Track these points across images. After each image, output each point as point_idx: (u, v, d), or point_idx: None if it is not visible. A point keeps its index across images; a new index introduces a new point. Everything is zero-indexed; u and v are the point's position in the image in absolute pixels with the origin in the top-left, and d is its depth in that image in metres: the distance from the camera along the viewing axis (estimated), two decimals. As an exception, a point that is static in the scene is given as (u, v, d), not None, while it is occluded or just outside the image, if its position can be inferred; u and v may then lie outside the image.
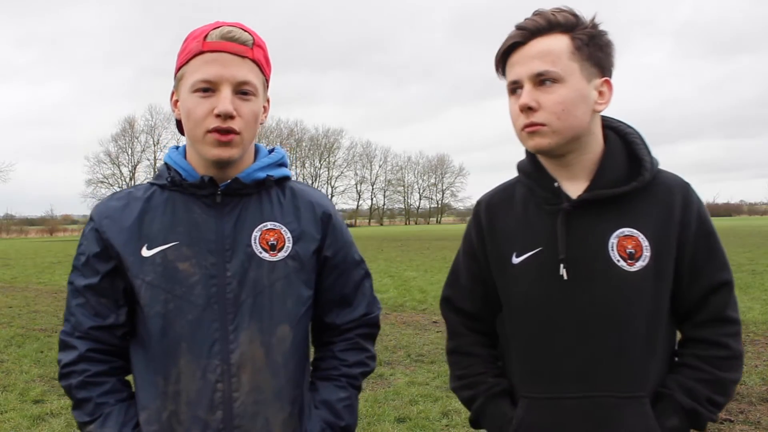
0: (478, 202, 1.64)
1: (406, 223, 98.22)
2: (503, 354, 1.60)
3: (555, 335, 1.44)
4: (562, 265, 1.43)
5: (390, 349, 6.90)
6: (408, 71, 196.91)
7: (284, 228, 1.50)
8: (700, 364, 1.42)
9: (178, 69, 1.46)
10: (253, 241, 1.46)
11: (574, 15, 1.42)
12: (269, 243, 1.47)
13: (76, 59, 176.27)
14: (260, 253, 1.46)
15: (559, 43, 1.40)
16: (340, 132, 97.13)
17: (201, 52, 1.41)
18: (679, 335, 1.52)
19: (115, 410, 1.45)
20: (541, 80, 1.39)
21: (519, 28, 1.43)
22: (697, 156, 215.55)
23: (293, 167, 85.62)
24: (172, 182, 1.49)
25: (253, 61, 1.45)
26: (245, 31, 1.45)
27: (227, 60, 1.41)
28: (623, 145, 1.49)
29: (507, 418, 1.49)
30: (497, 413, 1.51)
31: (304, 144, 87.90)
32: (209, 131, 1.41)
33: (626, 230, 1.43)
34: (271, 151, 1.59)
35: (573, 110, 1.40)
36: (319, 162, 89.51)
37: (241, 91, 1.42)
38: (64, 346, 1.49)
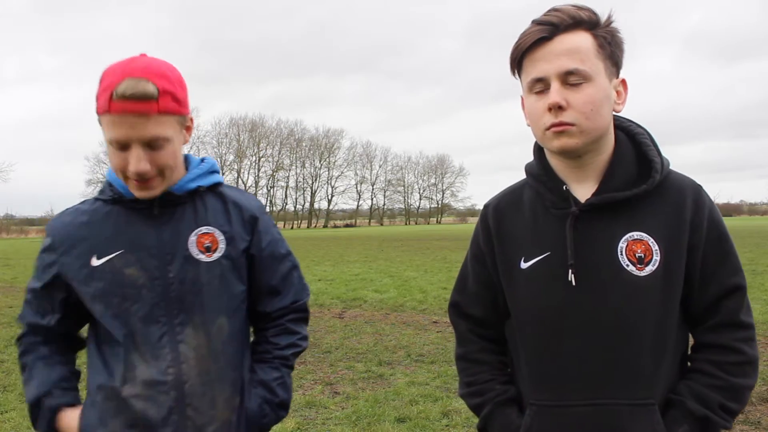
0: (486, 206, 1.60)
1: (406, 223, 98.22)
2: (512, 360, 1.57)
3: (563, 341, 1.40)
4: (570, 271, 1.39)
5: (390, 349, 6.90)
6: (418, 76, 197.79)
7: (217, 231, 1.67)
8: (713, 369, 1.37)
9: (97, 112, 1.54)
10: (190, 245, 1.63)
11: (594, 13, 1.38)
12: (205, 246, 1.64)
13: (93, 64, 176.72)
14: (197, 255, 1.64)
15: (584, 40, 1.35)
16: (340, 132, 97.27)
17: (108, 112, 1.48)
18: (691, 340, 1.47)
19: (40, 368, 1.68)
20: (569, 79, 1.34)
21: (542, 23, 1.36)
22: (698, 157, 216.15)
23: (293, 167, 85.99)
24: (113, 199, 1.66)
25: (161, 112, 1.49)
26: (150, 80, 1.47)
27: (133, 122, 1.47)
28: (633, 146, 1.45)
29: (514, 426, 1.46)
30: (505, 421, 1.49)
31: (304, 144, 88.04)
32: (130, 178, 1.54)
33: (635, 234, 1.38)
34: (202, 160, 1.73)
35: (600, 110, 1.35)
36: (319, 162, 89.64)
37: (152, 145, 1.51)
38: (19, 327, 1.75)
